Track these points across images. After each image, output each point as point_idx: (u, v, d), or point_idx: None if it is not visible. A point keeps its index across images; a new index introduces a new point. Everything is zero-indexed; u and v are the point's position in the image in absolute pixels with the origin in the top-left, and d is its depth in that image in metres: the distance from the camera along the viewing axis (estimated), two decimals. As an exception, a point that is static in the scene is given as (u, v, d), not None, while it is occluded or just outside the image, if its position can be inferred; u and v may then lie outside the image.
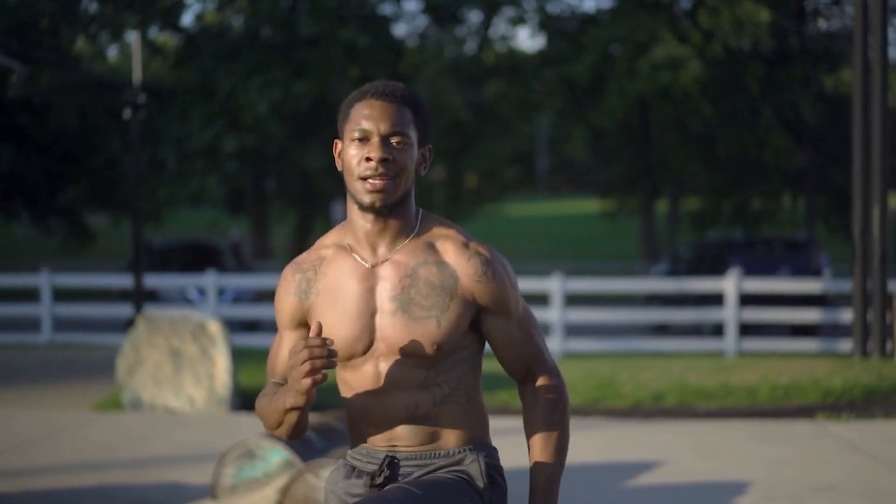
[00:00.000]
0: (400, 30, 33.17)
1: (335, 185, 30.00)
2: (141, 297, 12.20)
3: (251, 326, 18.08)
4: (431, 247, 2.67)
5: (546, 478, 2.74)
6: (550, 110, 31.78)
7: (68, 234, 26.50)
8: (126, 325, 17.16)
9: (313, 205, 30.75)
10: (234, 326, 16.55)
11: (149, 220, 25.43)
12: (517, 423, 5.42)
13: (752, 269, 16.92)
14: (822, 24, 29.57)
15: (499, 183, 31.29)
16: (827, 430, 7.97)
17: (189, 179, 25.77)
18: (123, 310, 15.59)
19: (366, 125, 2.62)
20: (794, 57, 26.96)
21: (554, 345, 13.72)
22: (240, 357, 9.40)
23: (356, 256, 2.68)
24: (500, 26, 31.16)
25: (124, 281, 16.04)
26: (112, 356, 11.04)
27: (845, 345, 13.49)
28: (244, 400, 8.91)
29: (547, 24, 28.82)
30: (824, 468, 6.73)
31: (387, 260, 2.66)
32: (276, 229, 34.95)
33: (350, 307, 2.66)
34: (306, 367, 2.48)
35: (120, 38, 26.27)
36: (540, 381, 2.76)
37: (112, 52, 30.77)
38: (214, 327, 8.58)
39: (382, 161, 2.60)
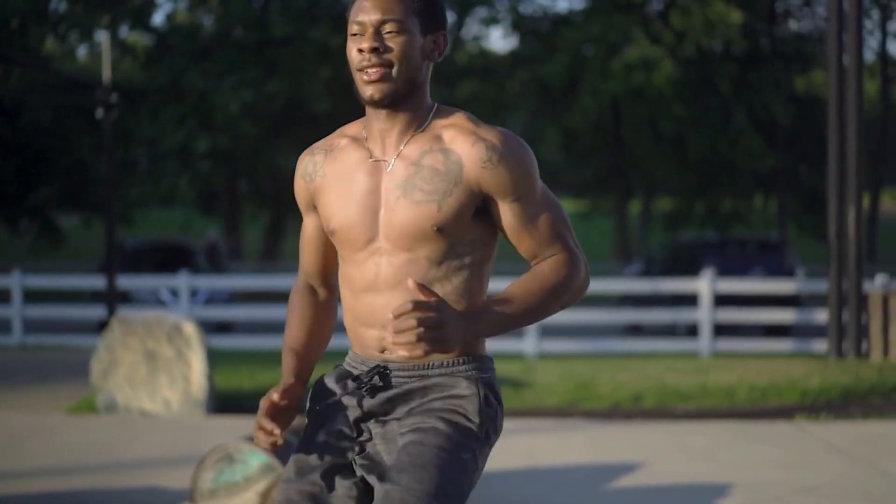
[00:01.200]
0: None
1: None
2: (114, 299, 12.09)
3: (224, 328, 17.96)
4: (439, 137, 2.61)
5: (501, 301, 2.56)
6: (523, 111, 31.79)
7: (39, 234, 26.29)
8: (98, 327, 17.04)
9: (286, 205, 30.63)
10: (208, 328, 16.41)
11: (120, 221, 25.26)
12: (508, 424, 5.33)
13: (725, 270, 16.98)
14: (794, 25, 29.71)
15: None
16: (806, 430, 7.97)
17: (160, 180, 25.61)
18: (95, 311, 15.46)
19: (359, 18, 2.59)
20: (765, 58, 27.08)
21: (528, 346, 13.69)
22: (215, 359, 9.30)
23: (368, 150, 2.66)
24: (472, 27, 31.12)
25: (96, 282, 15.91)
26: (85, 358, 10.92)
27: (819, 345, 13.52)
28: (220, 402, 8.83)
29: (520, 24, 28.82)
30: (806, 470, 6.71)
31: (396, 153, 2.61)
32: (249, 230, 34.80)
33: (355, 198, 2.64)
34: (256, 440, 2.68)
35: (90, 38, 26.10)
36: (553, 258, 2.65)
37: (81, 52, 30.57)
38: (190, 329, 8.49)
39: (373, 51, 2.56)
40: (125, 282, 15.07)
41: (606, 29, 25.13)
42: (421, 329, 2.36)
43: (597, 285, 15.80)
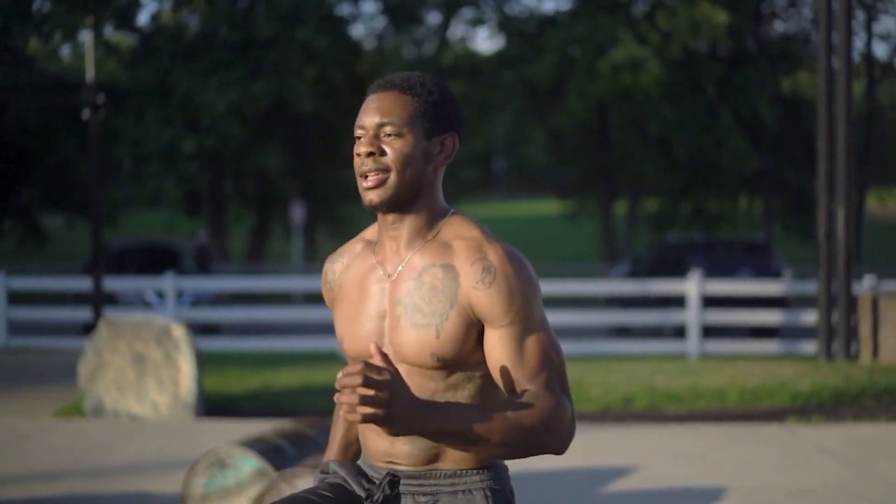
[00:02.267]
0: (357, 31, 33.05)
1: (294, 186, 29.84)
2: (100, 301, 12.00)
3: (210, 329, 17.88)
4: (447, 248, 2.49)
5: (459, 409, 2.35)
6: (510, 112, 31.80)
7: (23, 235, 26.16)
8: (83, 329, 16.94)
9: (271, 206, 30.55)
10: (194, 329, 16.33)
11: (104, 222, 25.14)
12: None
13: (712, 271, 16.98)
14: (779, 26, 29.76)
15: (457, 184, 31.25)
16: (798, 433, 7.94)
17: (145, 181, 25.51)
18: (80, 313, 15.36)
19: (361, 121, 2.52)
20: (751, 59, 27.11)
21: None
22: (202, 361, 9.24)
23: (377, 256, 2.58)
24: (458, 28, 31.11)
25: (81, 283, 15.80)
26: (71, 361, 10.85)
27: (807, 346, 13.51)
28: (209, 406, 8.76)
29: (506, 25, 28.81)
30: (799, 473, 6.69)
31: (402, 262, 2.52)
32: (234, 231, 34.70)
33: (363, 307, 2.56)
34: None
35: (73, 38, 25.98)
36: (530, 394, 2.39)
37: (65, 52, 30.43)
38: (179, 332, 8.43)
39: (369, 155, 2.49)
40: (110, 283, 14.97)
41: (593, 29, 25.13)
42: (364, 394, 2.21)
43: (583, 286, 15.79)
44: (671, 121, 26.19)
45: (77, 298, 18.00)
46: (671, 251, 20.58)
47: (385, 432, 2.28)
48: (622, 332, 19.09)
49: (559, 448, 2.39)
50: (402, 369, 2.48)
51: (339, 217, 31.00)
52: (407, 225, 2.53)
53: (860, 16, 27.04)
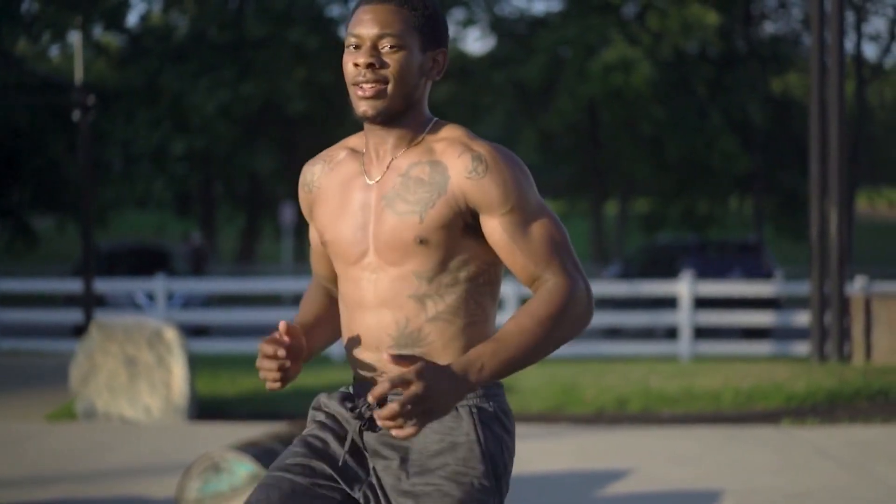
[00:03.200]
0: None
1: (284, 187, 29.78)
2: (91, 303, 11.93)
3: (201, 331, 17.80)
4: (431, 149, 2.53)
5: (484, 348, 2.37)
6: (500, 112, 31.77)
7: (13, 237, 26.06)
8: (73, 331, 16.85)
9: (261, 207, 30.49)
10: (185, 331, 16.27)
11: (94, 223, 25.06)
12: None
13: (704, 272, 16.96)
14: (769, 27, 29.78)
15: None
16: (793, 435, 7.92)
17: (135, 182, 25.43)
18: (70, 315, 15.29)
19: (357, 31, 2.50)
20: (741, 60, 27.12)
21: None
22: (194, 364, 9.19)
23: (362, 163, 2.59)
24: (450, 28, 31.12)
25: (70, 285, 15.74)
26: (62, 363, 10.78)
27: (799, 348, 13.50)
28: (201, 409, 8.71)
29: (497, 26, 28.80)
30: (795, 475, 6.67)
31: (387, 166, 2.54)
32: (225, 232, 34.63)
33: (347, 212, 2.57)
34: (260, 374, 2.53)
35: (62, 39, 25.90)
36: (545, 286, 2.46)
37: (54, 53, 30.33)
38: (171, 334, 8.38)
39: (369, 66, 2.47)
40: (100, 285, 14.89)
41: (584, 30, 25.12)
42: (406, 409, 2.21)
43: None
44: (662, 121, 26.18)
45: (67, 300, 17.93)
46: (662, 252, 20.56)
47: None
48: (613, 333, 19.06)
49: (581, 329, 2.48)
50: (390, 274, 2.50)
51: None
52: (394, 134, 2.54)
53: (850, 17, 27.06)
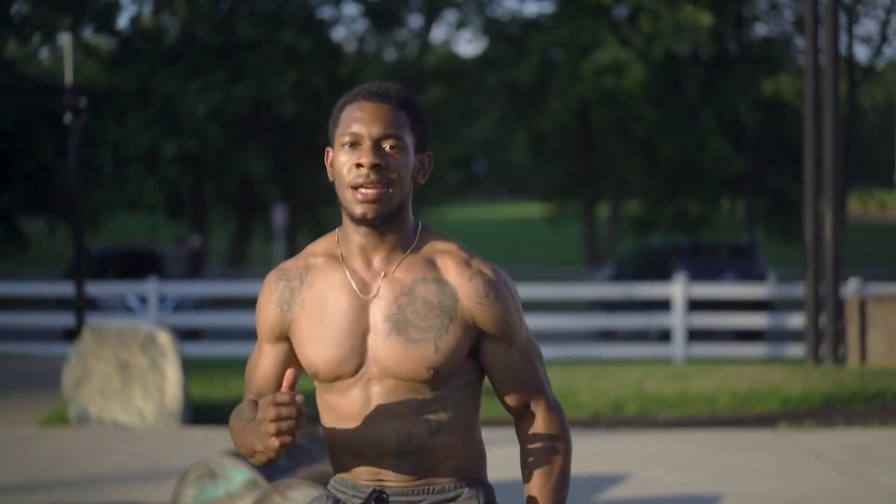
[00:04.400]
0: (338, 34, 32.94)
1: (275, 189, 29.72)
2: (83, 306, 11.87)
3: (193, 335, 17.74)
4: (431, 263, 2.43)
5: None
6: (493, 114, 31.74)
7: (4, 240, 25.96)
8: (65, 335, 16.78)
9: (253, 210, 30.42)
10: (177, 335, 16.20)
11: (86, 226, 24.96)
12: (488, 434, 5.29)
13: (697, 274, 16.93)
14: (761, 29, 29.81)
15: (439, 187, 31.17)
16: (790, 439, 7.90)
17: (126, 184, 25.36)
18: (61, 318, 15.23)
19: (356, 129, 2.37)
20: (733, 61, 27.13)
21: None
22: (187, 368, 9.14)
23: (348, 270, 2.43)
24: (441, 30, 31.16)
25: (61, 289, 15.67)
26: (54, 367, 10.71)
27: (793, 350, 13.48)
28: (196, 413, 8.65)
29: (489, 28, 28.78)
30: (793, 479, 6.64)
31: (383, 276, 2.41)
32: (216, 235, 34.55)
33: (339, 324, 2.40)
34: (272, 428, 2.26)
35: (52, 40, 25.81)
36: (539, 419, 2.51)
37: (44, 55, 30.25)
38: (164, 338, 8.32)
39: (374, 167, 2.35)
40: (92, 288, 14.82)
41: (576, 32, 25.09)
42: None
43: (567, 290, 15.71)
44: (654, 123, 26.17)
45: (58, 304, 17.85)
46: (655, 254, 20.54)
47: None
48: (606, 335, 19.02)
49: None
50: (387, 385, 2.40)
51: (321, 220, 30.90)
52: (388, 239, 2.43)
53: (841, 19, 27.07)
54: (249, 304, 23.28)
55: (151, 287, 14.44)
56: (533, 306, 18.59)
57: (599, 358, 13.80)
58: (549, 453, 2.50)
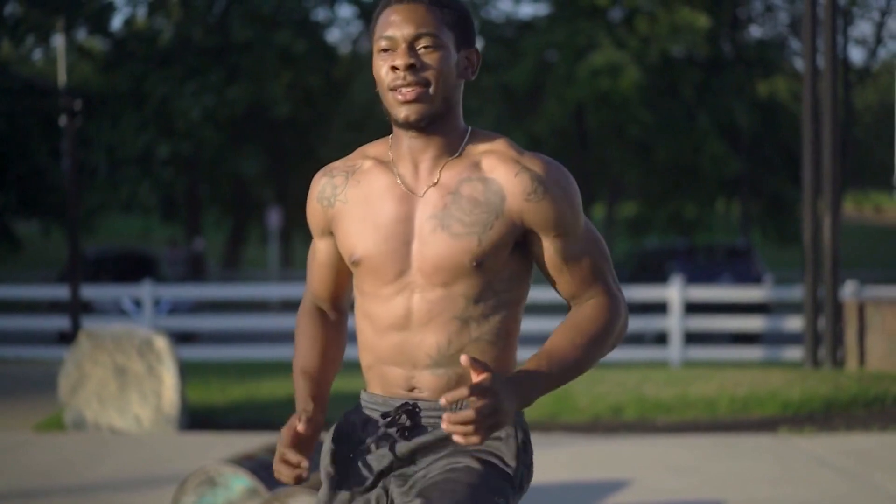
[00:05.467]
0: (333, 35, 32.89)
1: (270, 191, 29.65)
2: (77, 309, 11.80)
3: (188, 338, 17.69)
4: (478, 163, 2.41)
5: (541, 357, 2.36)
6: (488, 116, 31.65)
7: (-3, 242, 25.89)
8: (59, 338, 16.72)
9: (248, 212, 30.35)
10: (172, 338, 16.14)
11: (80, 229, 24.89)
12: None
13: (693, 277, 16.92)
14: (755, 31, 29.80)
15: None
16: (791, 444, 7.86)
17: (120, 186, 25.29)
18: (55, 322, 15.17)
19: (389, 32, 2.37)
20: (728, 64, 27.11)
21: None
22: (183, 372, 9.08)
23: (397, 174, 2.43)
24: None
25: (55, 292, 15.61)
26: (48, 372, 10.66)
27: (791, 353, 13.46)
28: (193, 419, 8.59)
29: (484, 30, 28.75)
30: (795, 485, 6.59)
31: (430, 180, 2.41)
32: (210, 237, 34.48)
33: (383, 227, 2.42)
34: (277, 468, 2.44)
35: (46, 42, 25.74)
36: (590, 302, 2.46)
37: (37, 56, 30.16)
38: (161, 343, 8.26)
39: (409, 68, 2.34)
40: (87, 291, 14.75)
41: (571, 34, 25.06)
42: (480, 417, 2.16)
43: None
44: (650, 125, 26.14)
45: (52, 307, 17.78)
46: (651, 257, 20.51)
47: None
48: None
49: (618, 342, 2.49)
50: (429, 294, 2.40)
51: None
52: (434, 142, 2.41)
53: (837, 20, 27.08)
54: (245, 307, 23.25)
55: (146, 290, 14.38)
56: (528, 310, 18.46)
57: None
58: (588, 320, 2.43)
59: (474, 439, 2.16)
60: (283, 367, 12.56)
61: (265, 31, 25.65)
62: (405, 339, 2.42)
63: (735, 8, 27.74)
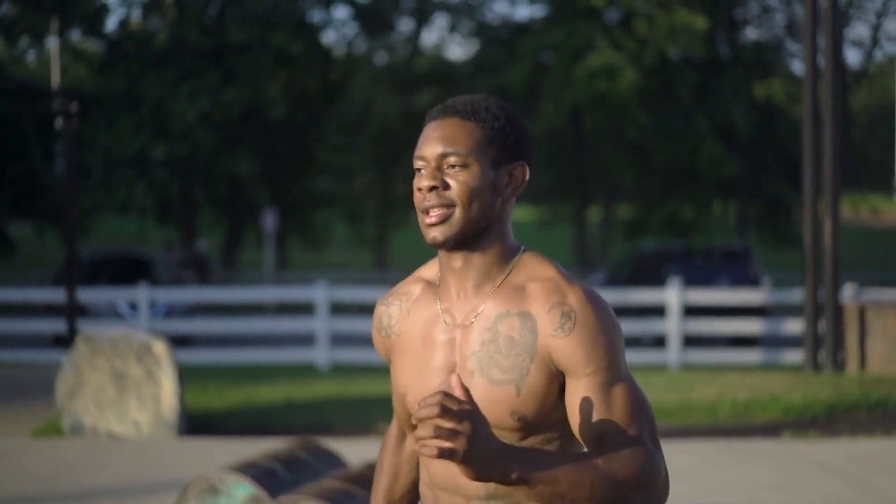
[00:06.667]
0: (328, 37, 32.87)
1: (265, 193, 29.58)
2: (74, 313, 11.74)
3: (184, 341, 17.61)
4: (522, 293, 2.24)
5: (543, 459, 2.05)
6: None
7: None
8: (54, 341, 16.64)
9: (243, 213, 30.28)
10: (168, 341, 16.07)
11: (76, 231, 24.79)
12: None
13: (690, 279, 16.86)
14: (752, 33, 29.80)
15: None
16: (794, 449, 7.81)
17: (116, 188, 25.22)
18: (50, 325, 15.09)
19: (420, 152, 2.26)
20: (725, 65, 27.10)
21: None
22: (181, 376, 9.02)
23: (440, 301, 2.31)
24: (432, 34, 31.13)
25: (51, 295, 15.54)
26: (44, 376, 10.59)
27: (789, 356, 13.41)
28: (191, 424, 8.53)
29: (480, 32, 28.74)
30: (798, 491, 6.55)
31: (472, 309, 2.25)
32: (206, 239, 34.42)
33: (429, 358, 2.30)
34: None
35: (40, 44, 25.68)
36: (624, 445, 2.12)
37: (31, 58, 30.10)
38: (160, 348, 8.20)
39: (431, 190, 2.23)
40: (83, 294, 14.68)
41: (568, 36, 25.04)
42: (442, 425, 1.94)
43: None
44: (647, 127, 26.12)
45: (47, 309, 17.69)
46: (649, 259, 20.46)
47: (463, 474, 2.02)
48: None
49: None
50: None
51: (312, 224, 30.79)
52: (475, 266, 2.27)
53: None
54: (242, 309, 23.17)
55: (142, 293, 14.31)
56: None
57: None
58: (620, 454, 2.08)
59: (427, 432, 1.94)
60: (280, 371, 12.51)
61: (261, 32, 25.60)
62: (453, 470, 2.27)
63: (732, 10, 27.72)
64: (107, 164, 25.18)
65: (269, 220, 26.41)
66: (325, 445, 5.58)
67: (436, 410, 1.95)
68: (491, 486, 2.24)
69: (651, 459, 2.10)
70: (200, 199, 29.85)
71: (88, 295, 15.38)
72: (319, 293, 13.81)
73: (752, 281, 18.17)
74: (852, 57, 78.01)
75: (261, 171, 28.06)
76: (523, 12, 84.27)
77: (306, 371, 12.79)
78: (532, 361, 2.19)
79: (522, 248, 2.32)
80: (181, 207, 28.80)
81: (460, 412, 1.96)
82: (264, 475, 5.24)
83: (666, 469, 2.14)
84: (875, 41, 28.85)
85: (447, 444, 1.96)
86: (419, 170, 2.27)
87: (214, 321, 15.55)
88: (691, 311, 14.61)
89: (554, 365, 2.18)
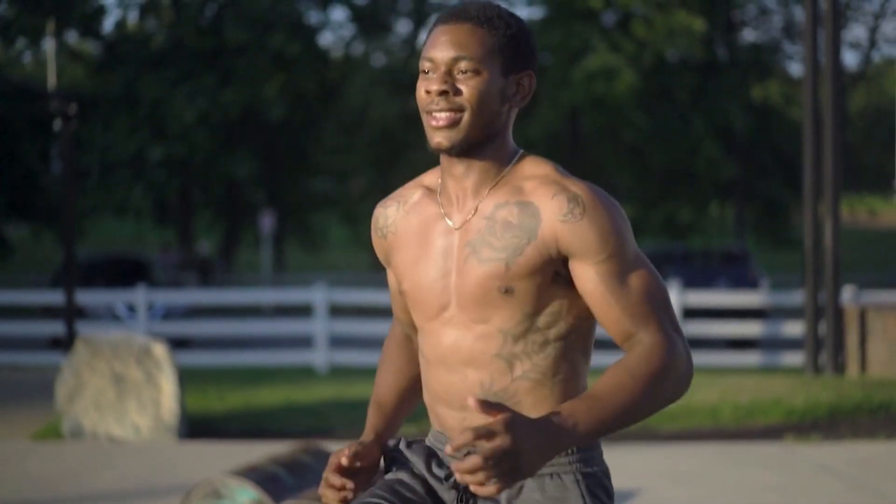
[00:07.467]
0: (326, 39, 32.87)
1: (263, 194, 29.56)
2: (72, 315, 11.70)
3: (182, 343, 17.57)
4: (520, 188, 2.29)
5: (580, 403, 2.13)
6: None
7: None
8: (52, 344, 16.59)
9: (241, 215, 30.25)
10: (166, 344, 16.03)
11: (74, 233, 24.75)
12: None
13: (689, 281, 16.86)
14: (750, 35, 29.81)
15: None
16: (797, 452, 7.79)
17: (113, 189, 25.20)
18: (47, 327, 15.06)
19: (430, 54, 2.27)
20: (723, 67, 27.11)
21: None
22: (181, 379, 8.98)
23: (442, 203, 2.35)
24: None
25: (48, 297, 15.51)
26: (42, 378, 10.55)
27: (789, 358, 13.40)
28: (191, 427, 8.50)
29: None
30: (801, 494, 6.53)
31: (471, 211, 2.30)
32: (203, 240, 34.39)
33: (428, 260, 2.35)
34: (323, 500, 2.40)
35: (37, 45, 25.65)
36: (637, 350, 2.22)
37: (27, 59, 30.05)
38: (160, 350, 8.17)
39: (441, 94, 2.24)
40: (80, 296, 14.64)
41: (566, 37, 25.03)
42: (489, 463, 1.95)
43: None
44: (645, 129, 26.12)
45: (44, 312, 17.65)
46: (647, 261, 20.47)
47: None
48: (598, 344, 18.89)
49: (681, 393, 2.26)
50: (471, 330, 2.29)
51: (309, 226, 30.76)
52: (476, 169, 2.31)
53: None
54: (235, 312, 23.13)
55: (140, 295, 14.28)
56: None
57: (594, 367, 13.67)
58: (640, 359, 2.20)
59: (491, 489, 1.97)
60: (279, 373, 12.48)
61: (258, 34, 25.58)
62: (451, 376, 2.33)
63: (729, 12, 27.73)
64: (104, 165, 25.15)
65: (267, 222, 26.39)
66: (328, 449, 5.56)
67: (479, 461, 1.96)
68: (479, 392, 2.29)
69: (673, 348, 2.21)
70: (198, 200, 29.83)
71: (86, 297, 15.34)
72: (318, 295, 13.78)
73: (750, 283, 18.18)
74: (850, 59, 78.15)
75: (258, 173, 28.05)
76: (521, 14, 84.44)
77: (305, 373, 12.77)
78: (529, 243, 2.23)
79: (521, 150, 2.35)
80: (178, 209, 28.78)
81: (501, 449, 1.97)
82: (267, 479, 5.22)
83: (688, 349, 2.26)
84: (873, 43, 28.88)
85: (502, 484, 1.99)
86: (426, 71, 2.28)
87: (212, 323, 15.53)
88: (690, 313, 14.60)
89: (558, 250, 2.23)
